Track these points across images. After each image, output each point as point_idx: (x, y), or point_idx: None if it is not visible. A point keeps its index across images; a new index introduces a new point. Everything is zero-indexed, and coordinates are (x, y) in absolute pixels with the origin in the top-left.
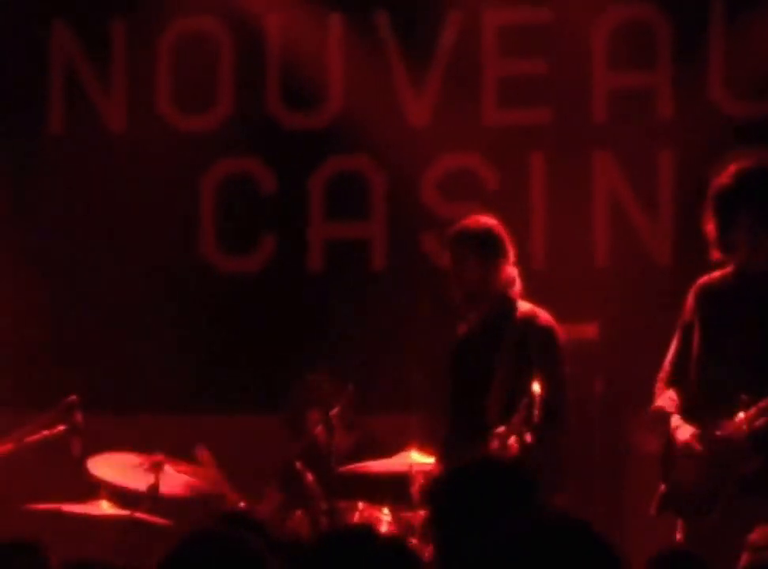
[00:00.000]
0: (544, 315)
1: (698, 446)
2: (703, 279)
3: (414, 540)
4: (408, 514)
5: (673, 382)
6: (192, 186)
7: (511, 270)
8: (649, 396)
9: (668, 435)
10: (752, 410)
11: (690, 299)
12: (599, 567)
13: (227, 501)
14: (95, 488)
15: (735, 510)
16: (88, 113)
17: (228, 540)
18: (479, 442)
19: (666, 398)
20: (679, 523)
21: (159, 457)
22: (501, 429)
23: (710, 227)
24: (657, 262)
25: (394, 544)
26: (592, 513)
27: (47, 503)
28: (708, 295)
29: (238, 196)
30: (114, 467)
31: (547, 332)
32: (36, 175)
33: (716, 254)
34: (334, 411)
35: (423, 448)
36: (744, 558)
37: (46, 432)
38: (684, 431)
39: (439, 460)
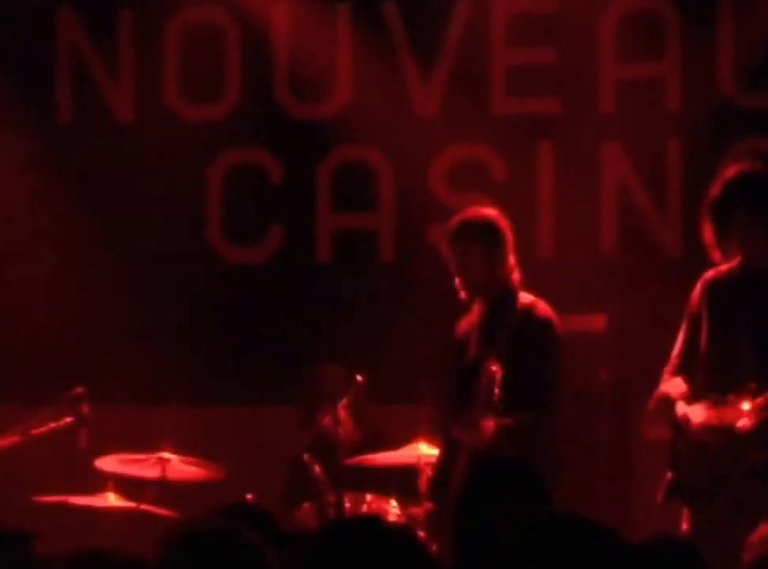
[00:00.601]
0: (543, 307)
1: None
2: (710, 272)
3: (421, 533)
4: (416, 507)
5: (680, 372)
6: (199, 176)
7: (510, 259)
8: (656, 387)
9: (675, 422)
10: (760, 399)
11: (697, 291)
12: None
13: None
14: (101, 480)
15: (741, 500)
16: (95, 103)
17: (223, 534)
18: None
19: (672, 384)
20: (685, 512)
21: (166, 448)
22: (470, 415)
23: (708, 235)
24: (666, 253)
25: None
26: (599, 502)
27: (53, 495)
28: (715, 287)
29: (245, 187)
30: (122, 461)
31: (543, 323)
32: (45, 165)
33: (716, 257)
34: (342, 403)
35: (431, 440)
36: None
37: (53, 424)
38: (696, 412)
39: (441, 452)
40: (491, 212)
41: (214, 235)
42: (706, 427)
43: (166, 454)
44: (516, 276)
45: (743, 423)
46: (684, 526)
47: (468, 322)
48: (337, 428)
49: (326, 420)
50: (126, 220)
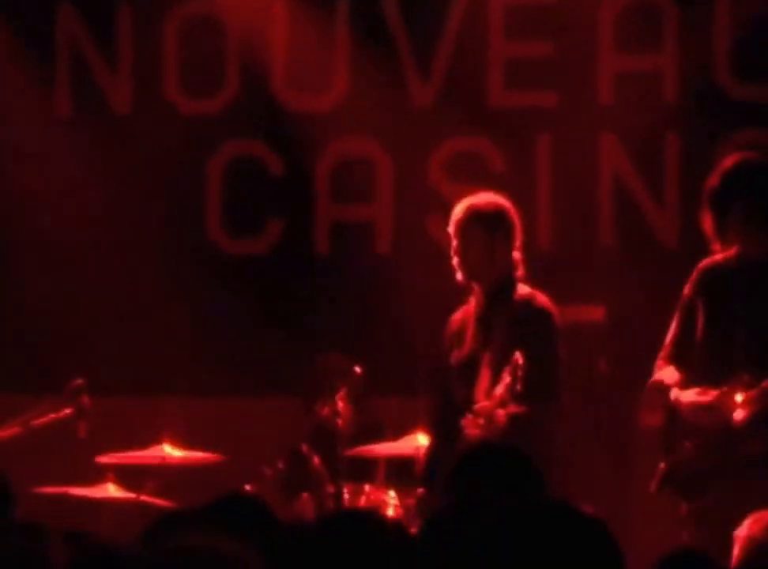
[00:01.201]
0: (542, 298)
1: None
2: (706, 261)
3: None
4: (415, 498)
5: (673, 361)
6: (198, 169)
7: (516, 255)
8: (651, 376)
9: (668, 409)
10: (753, 391)
11: (692, 281)
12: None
13: (233, 483)
14: (101, 471)
15: (733, 492)
16: (94, 96)
17: (198, 551)
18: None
19: (665, 372)
20: (681, 507)
21: (166, 439)
22: (485, 403)
23: (707, 226)
24: (663, 244)
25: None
26: (598, 492)
27: (53, 486)
28: (710, 276)
29: (244, 179)
30: (121, 452)
31: (542, 314)
32: (43, 158)
33: (716, 248)
34: (341, 394)
35: (429, 431)
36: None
37: (53, 415)
38: (688, 394)
39: (433, 439)
40: (501, 201)
41: (213, 227)
42: (697, 407)
43: (166, 445)
44: (520, 272)
45: (737, 415)
46: (683, 510)
47: (465, 313)
48: (336, 419)
49: (325, 411)
50: (125, 212)
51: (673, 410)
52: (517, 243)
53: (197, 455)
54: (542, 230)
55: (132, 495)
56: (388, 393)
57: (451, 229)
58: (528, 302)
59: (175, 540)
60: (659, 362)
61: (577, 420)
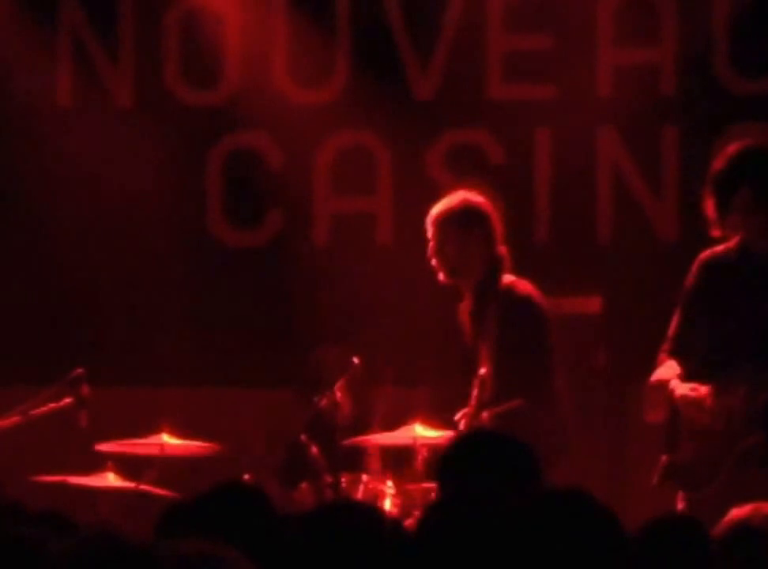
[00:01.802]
0: (522, 286)
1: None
2: (706, 253)
3: (417, 513)
4: (412, 488)
5: (675, 354)
6: (199, 160)
7: (501, 249)
8: (652, 369)
9: (671, 406)
10: (753, 383)
11: (693, 273)
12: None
13: (232, 473)
14: (101, 460)
15: (736, 483)
16: (95, 87)
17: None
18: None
19: (667, 367)
20: (680, 494)
21: (165, 429)
22: (467, 409)
23: (710, 210)
24: (661, 237)
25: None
26: (594, 483)
27: (53, 475)
28: (711, 269)
29: (245, 171)
30: (121, 441)
31: (521, 302)
32: (45, 149)
33: (716, 232)
34: (339, 384)
35: (428, 421)
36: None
37: (52, 405)
38: (683, 387)
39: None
40: (473, 198)
41: (214, 218)
42: (687, 403)
43: (165, 435)
44: (505, 264)
45: (738, 406)
46: (680, 506)
47: (464, 308)
48: (334, 410)
49: (323, 402)
50: (126, 204)
51: (675, 405)
52: (499, 236)
53: (196, 445)
54: (540, 222)
55: (131, 485)
56: (386, 383)
57: (427, 232)
58: (508, 291)
59: (175, 543)
60: (661, 355)
61: (574, 411)
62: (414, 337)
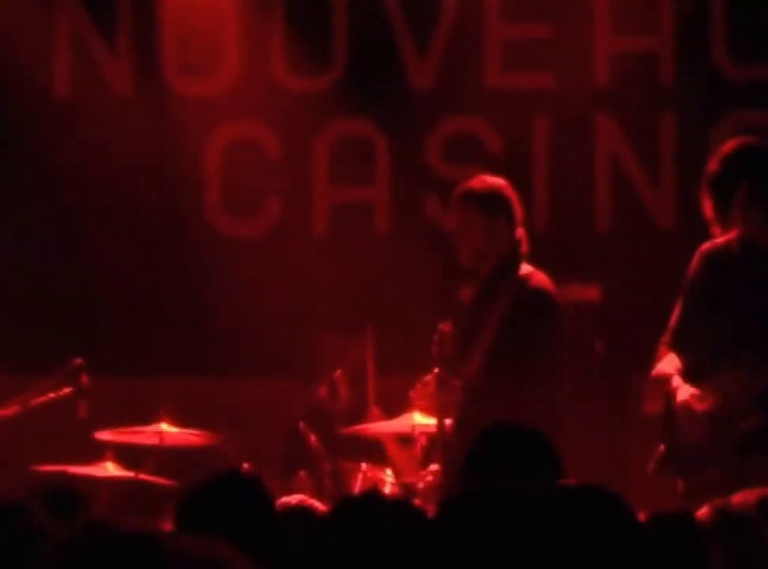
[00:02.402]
0: (538, 277)
1: (697, 407)
2: (707, 244)
3: (417, 501)
4: (411, 475)
5: (676, 345)
6: (197, 150)
7: (519, 232)
8: (650, 357)
9: (668, 396)
10: (753, 371)
11: (694, 264)
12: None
13: (231, 462)
14: (100, 450)
15: (734, 469)
16: (94, 77)
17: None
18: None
19: (667, 361)
20: (679, 484)
21: (164, 419)
22: (435, 370)
23: (708, 210)
24: (659, 225)
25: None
26: (593, 473)
27: (53, 465)
28: (712, 259)
29: (243, 160)
30: (120, 430)
31: (535, 293)
32: (43, 139)
33: (715, 230)
34: (338, 373)
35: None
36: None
37: (52, 395)
38: (684, 392)
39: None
40: (496, 181)
41: (212, 207)
42: (699, 399)
43: (164, 424)
44: (523, 249)
45: (736, 393)
46: (680, 489)
47: (471, 292)
48: (334, 398)
49: (323, 390)
50: (125, 194)
51: (673, 397)
52: (519, 219)
53: (196, 434)
54: (538, 210)
55: (130, 474)
56: (386, 371)
57: (450, 214)
58: (523, 282)
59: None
60: (661, 347)
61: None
62: (412, 326)
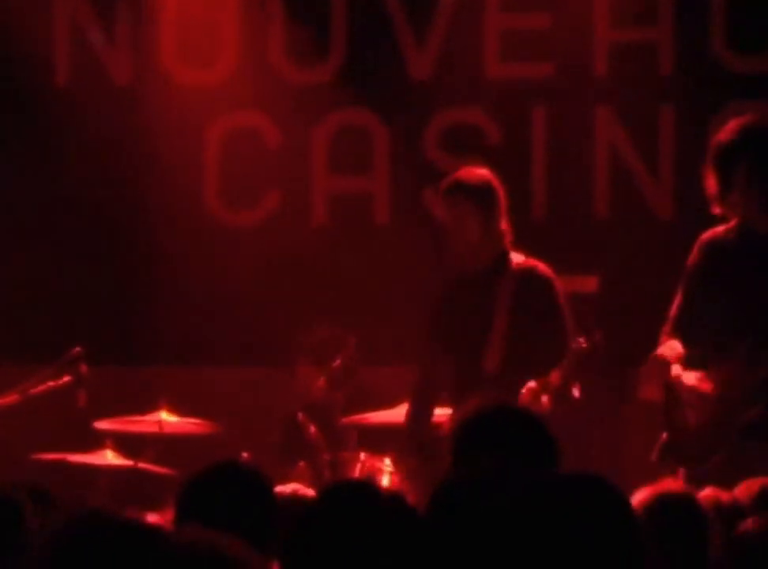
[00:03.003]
0: (543, 266)
1: (706, 388)
2: (707, 233)
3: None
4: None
5: (676, 334)
6: (196, 140)
7: (505, 222)
8: (649, 347)
9: (668, 383)
10: (753, 358)
11: (694, 253)
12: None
13: (230, 451)
14: (100, 439)
15: (737, 456)
16: (93, 66)
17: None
18: (480, 391)
19: (668, 347)
20: (681, 472)
21: (163, 408)
22: (532, 384)
23: (710, 183)
24: (658, 216)
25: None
26: (592, 461)
27: (52, 454)
28: (712, 248)
29: (242, 150)
30: (120, 419)
31: (550, 282)
32: (42, 128)
33: (716, 209)
34: (336, 364)
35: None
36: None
37: (51, 384)
38: (690, 377)
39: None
40: (484, 172)
41: (211, 197)
42: (696, 395)
43: (163, 413)
44: (508, 240)
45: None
46: (681, 477)
47: (455, 284)
48: (331, 388)
49: (320, 381)
50: (123, 183)
51: (673, 385)
52: (504, 212)
53: (195, 423)
54: (537, 201)
55: (130, 462)
56: (383, 363)
57: (443, 206)
58: (530, 271)
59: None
60: (663, 337)
61: None
62: (411, 317)
